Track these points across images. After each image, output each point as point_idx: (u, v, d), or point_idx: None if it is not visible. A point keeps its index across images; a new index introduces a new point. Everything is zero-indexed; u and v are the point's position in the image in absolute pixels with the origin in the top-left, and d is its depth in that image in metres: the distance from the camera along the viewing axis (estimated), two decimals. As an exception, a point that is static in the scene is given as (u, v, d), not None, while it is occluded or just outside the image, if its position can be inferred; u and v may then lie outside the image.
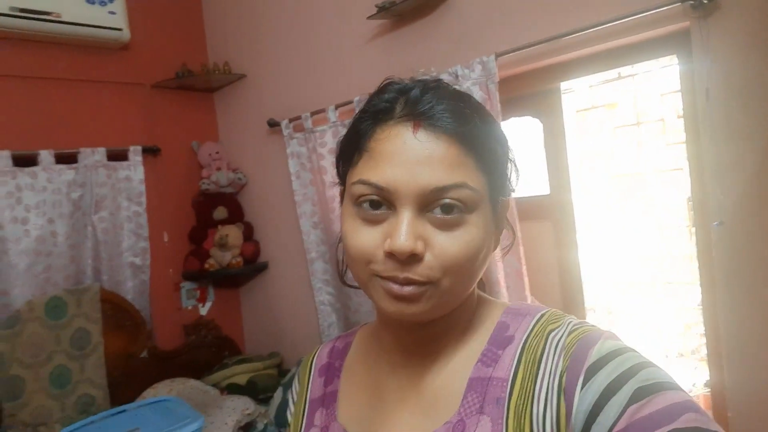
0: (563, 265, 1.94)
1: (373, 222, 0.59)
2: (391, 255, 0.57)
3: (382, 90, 0.63)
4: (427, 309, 0.59)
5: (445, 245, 0.57)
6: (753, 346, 1.42)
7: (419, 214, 0.58)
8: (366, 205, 0.59)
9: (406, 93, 0.61)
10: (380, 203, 0.59)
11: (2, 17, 2.12)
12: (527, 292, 1.77)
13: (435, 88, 0.62)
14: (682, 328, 2.44)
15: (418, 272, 0.57)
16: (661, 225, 2.38)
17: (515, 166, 0.67)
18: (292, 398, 0.81)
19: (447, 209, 0.57)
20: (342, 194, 0.66)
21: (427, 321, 0.63)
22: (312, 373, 0.80)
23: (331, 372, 0.78)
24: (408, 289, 0.57)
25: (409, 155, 0.57)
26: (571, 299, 1.91)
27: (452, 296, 0.60)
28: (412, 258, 0.57)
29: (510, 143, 0.66)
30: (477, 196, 0.58)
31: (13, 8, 2.11)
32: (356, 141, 0.63)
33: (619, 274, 2.51)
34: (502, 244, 0.70)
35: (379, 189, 0.58)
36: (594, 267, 2.40)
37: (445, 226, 0.58)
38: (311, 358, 0.82)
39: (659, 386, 0.51)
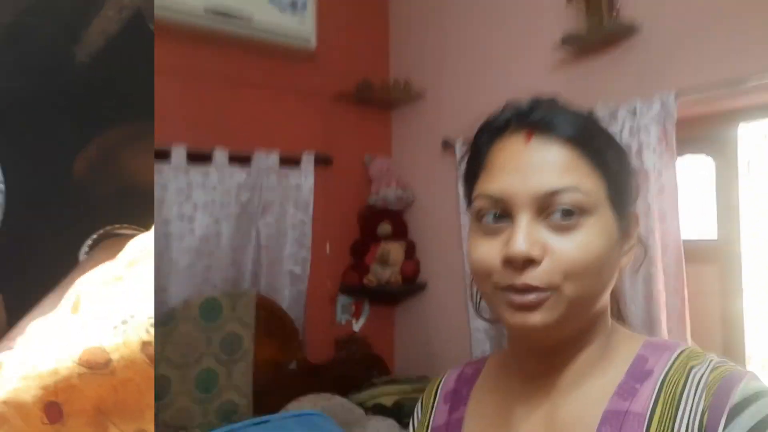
0: (726, 313, 1.94)
1: (494, 234, 0.60)
2: (508, 262, 0.57)
3: (499, 109, 0.66)
4: (551, 319, 0.58)
5: (563, 248, 0.57)
6: None
7: (536, 220, 0.58)
8: (487, 219, 0.61)
9: (519, 108, 0.63)
10: (501, 216, 0.60)
11: (196, 18, 2.17)
12: (688, 335, 1.77)
13: (547, 101, 0.64)
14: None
15: (536, 278, 0.57)
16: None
17: (635, 176, 0.67)
18: (413, 425, 0.81)
19: (566, 214, 0.58)
20: None
21: (555, 341, 0.62)
22: (437, 399, 0.79)
23: (458, 398, 0.77)
24: (529, 297, 0.57)
25: (521, 163, 0.60)
26: (732, 348, 1.90)
27: (577, 307, 0.59)
28: (529, 263, 0.57)
29: (627, 151, 0.68)
30: (592, 199, 0.59)
31: (207, 10, 2.17)
32: (475, 159, 0.65)
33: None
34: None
35: (495, 199, 0.60)
36: (759, 317, 2.14)
37: (562, 230, 0.58)
38: (437, 385, 0.81)
39: None
